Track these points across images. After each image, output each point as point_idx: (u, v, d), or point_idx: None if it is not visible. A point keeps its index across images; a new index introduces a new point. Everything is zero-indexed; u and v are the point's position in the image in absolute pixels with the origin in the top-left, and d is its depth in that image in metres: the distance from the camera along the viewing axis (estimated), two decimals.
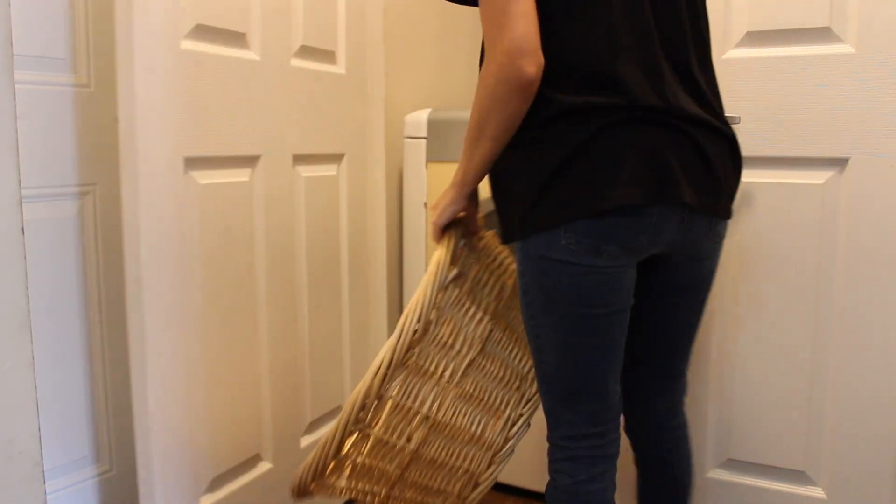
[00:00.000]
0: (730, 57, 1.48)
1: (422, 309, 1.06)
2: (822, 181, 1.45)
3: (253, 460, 1.58)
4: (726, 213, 1.08)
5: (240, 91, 1.45)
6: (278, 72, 1.56)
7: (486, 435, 1.18)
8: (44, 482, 1.33)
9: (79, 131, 1.40)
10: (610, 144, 0.98)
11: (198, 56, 1.35)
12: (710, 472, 1.60)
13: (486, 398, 1.18)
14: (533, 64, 0.95)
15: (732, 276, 1.53)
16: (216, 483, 1.48)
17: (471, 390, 1.16)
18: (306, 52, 1.64)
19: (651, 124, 0.99)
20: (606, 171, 0.97)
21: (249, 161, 1.51)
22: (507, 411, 1.20)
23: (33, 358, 1.30)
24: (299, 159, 1.65)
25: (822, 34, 1.41)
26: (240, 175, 1.49)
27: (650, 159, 0.98)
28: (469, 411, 1.16)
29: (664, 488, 1.22)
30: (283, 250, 1.63)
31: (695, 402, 1.59)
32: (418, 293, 1.07)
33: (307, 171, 1.69)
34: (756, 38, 1.46)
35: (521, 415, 1.21)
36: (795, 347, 1.49)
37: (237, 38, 1.45)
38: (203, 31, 1.36)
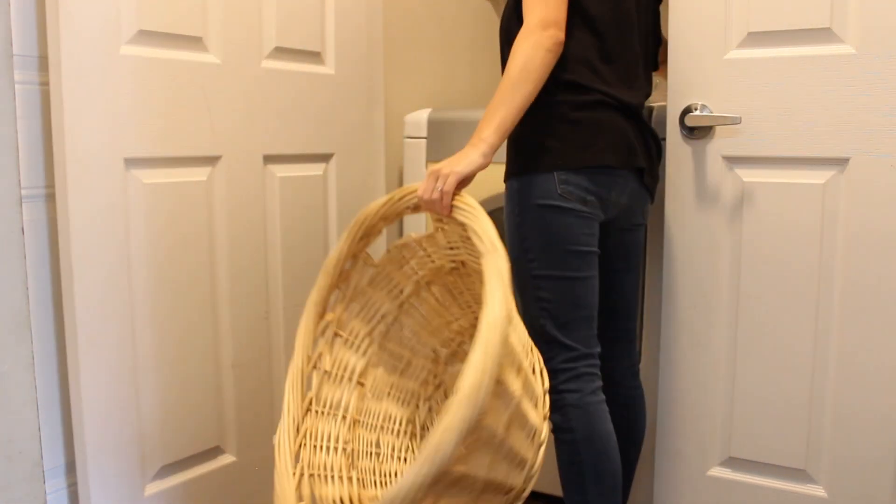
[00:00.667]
0: (731, 57, 1.48)
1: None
2: (822, 181, 1.45)
3: (212, 452, 1.60)
4: (654, 184, 1.47)
5: (194, 93, 1.49)
6: (245, 74, 1.59)
7: (531, 417, 1.15)
8: (44, 482, 1.33)
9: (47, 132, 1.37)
10: (598, 120, 1.32)
11: (140, 61, 1.39)
12: (711, 470, 1.61)
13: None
14: (562, 34, 1.27)
15: (733, 276, 1.54)
16: (166, 471, 1.51)
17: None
18: (282, 53, 1.67)
19: (624, 115, 1.35)
20: (592, 138, 1.32)
21: (208, 161, 1.54)
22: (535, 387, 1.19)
23: (33, 357, 1.30)
24: (273, 159, 1.68)
25: (823, 35, 1.41)
26: (195, 175, 1.52)
27: (622, 137, 1.34)
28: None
29: (625, 432, 1.47)
30: (252, 247, 1.64)
31: (696, 401, 1.59)
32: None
33: (283, 170, 1.71)
34: (757, 38, 1.46)
35: (545, 391, 1.20)
36: (796, 346, 1.50)
37: (192, 43, 1.48)
38: (148, 37, 1.40)
